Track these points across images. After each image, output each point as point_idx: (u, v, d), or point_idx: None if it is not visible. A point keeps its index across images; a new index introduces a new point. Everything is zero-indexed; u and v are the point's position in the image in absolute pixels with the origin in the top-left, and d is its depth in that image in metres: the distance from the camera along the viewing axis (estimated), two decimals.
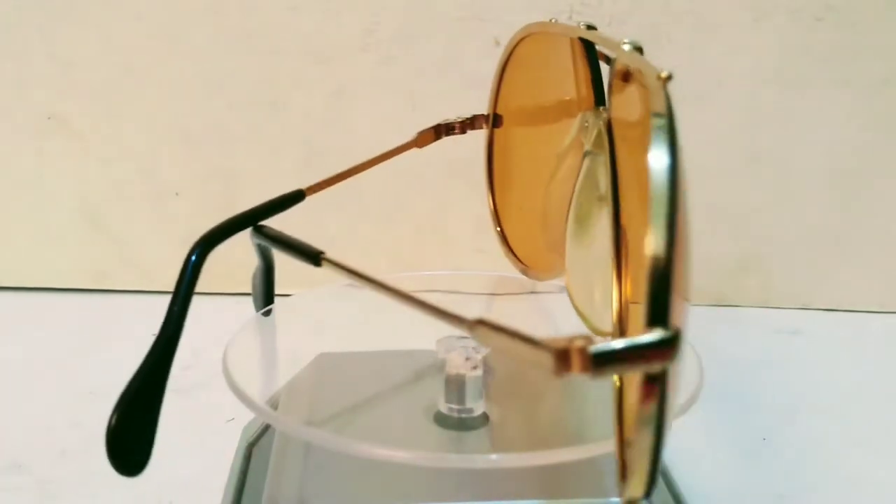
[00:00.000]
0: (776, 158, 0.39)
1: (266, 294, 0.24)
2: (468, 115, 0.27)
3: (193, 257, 0.19)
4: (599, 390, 0.24)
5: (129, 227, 0.41)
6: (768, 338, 0.38)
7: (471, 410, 0.21)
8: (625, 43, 0.16)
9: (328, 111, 0.39)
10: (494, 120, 0.27)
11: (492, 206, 0.28)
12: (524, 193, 0.27)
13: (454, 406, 0.21)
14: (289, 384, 0.24)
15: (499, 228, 0.28)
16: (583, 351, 0.11)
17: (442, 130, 0.27)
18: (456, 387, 0.21)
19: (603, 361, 0.12)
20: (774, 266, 0.40)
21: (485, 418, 0.21)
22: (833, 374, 0.34)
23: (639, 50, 0.16)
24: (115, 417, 0.18)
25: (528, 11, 0.37)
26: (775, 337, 0.38)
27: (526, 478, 0.20)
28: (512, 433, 0.22)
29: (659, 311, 0.12)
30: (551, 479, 0.20)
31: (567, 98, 0.23)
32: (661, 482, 0.21)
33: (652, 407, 0.12)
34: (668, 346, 0.12)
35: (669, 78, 0.14)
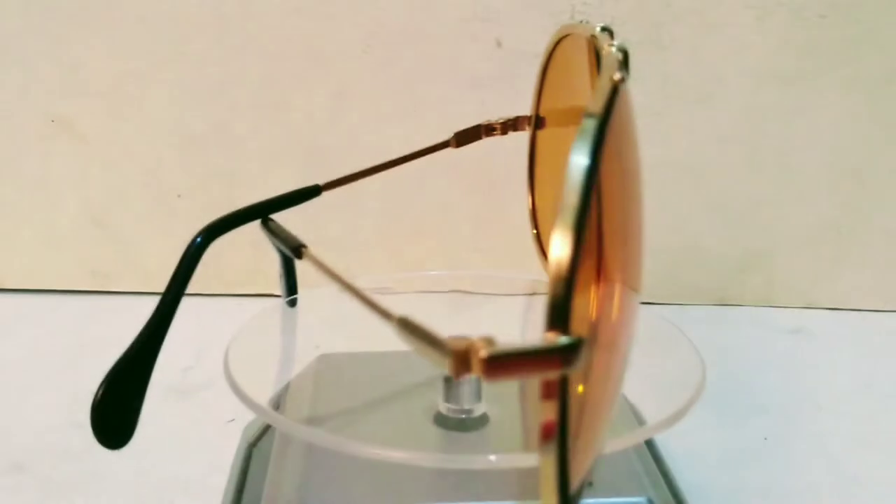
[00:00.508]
0: (779, 157, 0.39)
1: (288, 285, 0.24)
2: (511, 117, 0.27)
3: (198, 240, 0.20)
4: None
5: (131, 228, 0.41)
6: (771, 337, 0.38)
7: (471, 411, 0.21)
8: (611, 44, 0.16)
9: (330, 113, 0.39)
10: (536, 121, 0.27)
11: (530, 208, 0.28)
12: (560, 196, 0.26)
13: (454, 407, 0.21)
14: (289, 385, 0.24)
15: (535, 231, 0.28)
16: (479, 354, 0.11)
17: (482, 131, 0.27)
18: (456, 388, 0.21)
19: (498, 365, 0.11)
20: (777, 265, 0.40)
21: (485, 419, 0.21)
22: (836, 373, 0.34)
23: (623, 52, 0.16)
24: (101, 391, 0.18)
25: (529, 12, 0.37)
26: (778, 336, 0.38)
27: (525, 478, 0.20)
28: (512, 434, 0.22)
29: (558, 317, 0.11)
30: None
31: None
32: (661, 481, 0.21)
33: (552, 413, 0.12)
34: (566, 353, 0.11)
35: (622, 80, 0.14)
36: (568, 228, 0.12)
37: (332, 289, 0.26)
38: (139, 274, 0.41)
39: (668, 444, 0.23)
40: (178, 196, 0.40)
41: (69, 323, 0.38)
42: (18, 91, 0.39)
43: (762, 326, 0.39)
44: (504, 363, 0.11)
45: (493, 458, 0.17)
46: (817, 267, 0.40)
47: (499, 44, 0.38)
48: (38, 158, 0.40)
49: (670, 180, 0.39)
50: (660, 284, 0.40)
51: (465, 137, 0.26)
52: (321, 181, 0.24)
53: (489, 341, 0.12)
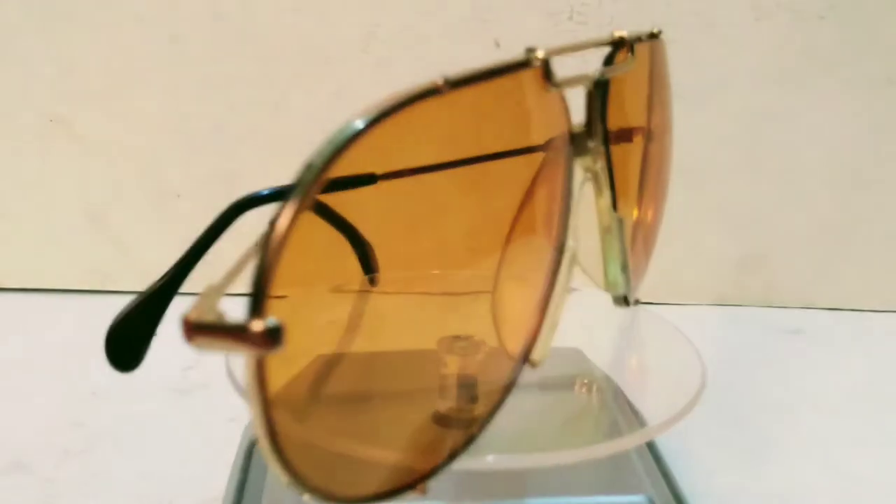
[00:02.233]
0: (779, 158, 0.39)
1: (363, 265, 0.24)
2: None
3: (226, 211, 0.21)
4: (600, 389, 0.24)
5: (130, 228, 0.41)
6: (771, 337, 0.38)
7: (470, 411, 0.21)
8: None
9: (329, 112, 0.39)
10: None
11: None
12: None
13: (453, 406, 0.21)
14: (289, 384, 0.24)
15: None
16: (186, 319, 0.12)
17: None
18: (455, 387, 0.21)
19: (195, 332, 0.12)
20: (777, 265, 0.40)
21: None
22: (835, 374, 0.34)
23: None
24: (118, 319, 0.21)
25: (529, 12, 0.37)
26: (778, 336, 0.38)
27: (526, 478, 0.20)
28: (512, 432, 0.22)
29: (254, 302, 0.12)
30: (551, 479, 0.20)
31: None
32: (662, 481, 0.21)
33: (254, 391, 0.12)
34: (264, 337, 0.12)
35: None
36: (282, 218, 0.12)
37: (331, 289, 0.26)
38: (138, 273, 0.41)
39: (668, 444, 0.23)
40: (178, 196, 0.40)
41: (68, 322, 0.38)
42: (16, 90, 0.39)
43: (762, 327, 0.39)
44: (205, 332, 0.12)
45: (489, 459, 0.17)
46: (817, 267, 0.40)
47: (497, 44, 0.38)
48: (37, 158, 0.40)
49: (670, 180, 0.39)
50: (659, 284, 0.40)
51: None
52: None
53: (207, 309, 0.12)
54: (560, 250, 0.17)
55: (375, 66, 0.38)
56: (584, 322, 0.24)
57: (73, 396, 0.31)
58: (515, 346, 0.18)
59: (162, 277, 0.22)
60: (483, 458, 0.18)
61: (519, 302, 0.19)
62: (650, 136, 0.24)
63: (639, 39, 0.20)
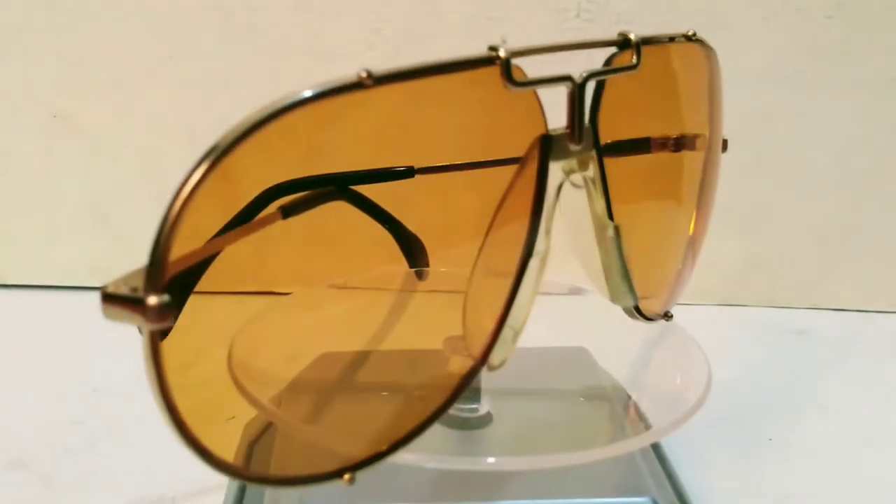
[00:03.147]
0: (785, 157, 0.39)
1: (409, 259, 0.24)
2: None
3: (261, 195, 0.21)
4: (602, 389, 0.24)
5: (135, 225, 0.41)
6: (776, 338, 0.38)
7: (475, 410, 0.21)
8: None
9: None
10: None
11: None
12: None
13: (458, 405, 0.21)
14: (292, 383, 0.23)
15: None
16: (102, 291, 0.13)
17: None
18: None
19: (106, 302, 0.13)
20: (783, 265, 0.40)
21: (488, 418, 0.21)
22: (841, 375, 0.34)
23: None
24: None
25: (535, 10, 0.37)
26: (783, 337, 0.38)
27: (530, 478, 0.19)
28: (516, 432, 0.21)
29: (150, 277, 0.13)
30: (555, 480, 0.19)
31: None
32: (666, 482, 0.21)
33: (148, 363, 0.13)
34: (154, 310, 0.13)
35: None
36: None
37: (335, 287, 0.26)
38: None
39: (673, 444, 0.23)
40: None
41: (72, 319, 0.38)
42: (20, 86, 0.39)
43: (767, 327, 0.39)
44: (112, 302, 0.13)
45: (490, 460, 0.17)
46: (823, 267, 0.40)
47: (504, 41, 0.37)
48: (40, 154, 0.40)
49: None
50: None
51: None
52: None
53: (123, 283, 0.13)
54: (528, 254, 0.17)
55: (381, 63, 0.38)
56: (590, 322, 0.24)
57: (73, 394, 0.31)
58: (476, 347, 0.18)
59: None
60: (487, 460, 0.18)
61: (484, 304, 0.18)
62: (678, 142, 0.23)
63: (648, 41, 0.20)
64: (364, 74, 0.15)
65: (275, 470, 0.19)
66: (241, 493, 0.22)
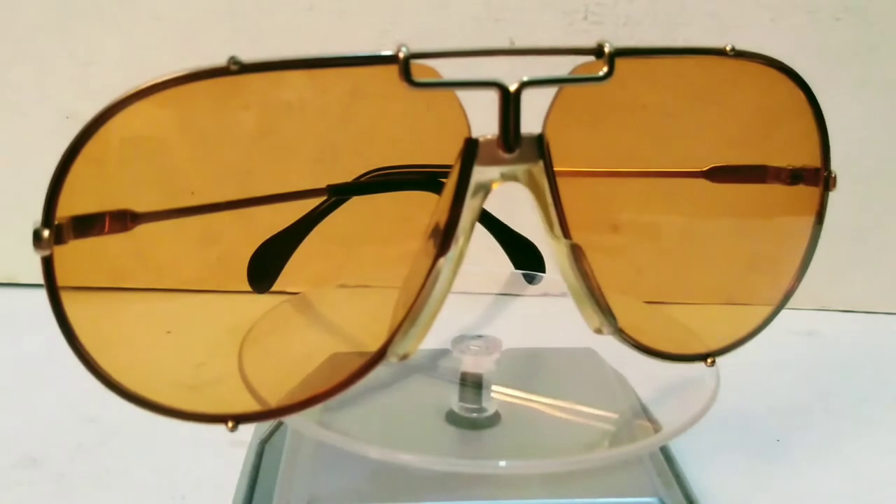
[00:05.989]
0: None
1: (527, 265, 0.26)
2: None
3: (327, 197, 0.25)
4: (610, 390, 0.24)
5: (144, 225, 0.41)
6: (783, 339, 0.37)
7: (484, 410, 0.21)
8: None
9: (344, 110, 0.39)
10: None
11: None
12: None
13: (467, 405, 0.21)
14: (302, 382, 0.24)
15: None
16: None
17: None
18: (469, 386, 0.21)
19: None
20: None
21: (497, 417, 0.21)
22: (848, 376, 0.34)
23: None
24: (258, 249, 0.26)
25: (543, 12, 0.37)
26: (790, 338, 0.38)
27: (538, 480, 0.20)
28: (524, 433, 0.22)
29: (44, 212, 0.19)
30: (563, 481, 0.20)
31: None
32: (673, 482, 0.21)
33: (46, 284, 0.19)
34: (45, 241, 0.18)
35: None
36: None
37: (345, 287, 0.26)
38: (151, 270, 0.41)
39: (680, 445, 0.23)
40: (192, 193, 0.40)
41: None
42: (33, 87, 0.39)
43: (774, 328, 0.38)
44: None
45: (501, 464, 0.17)
46: (831, 269, 0.40)
47: (512, 43, 0.38)
48: (53, 155, 0.40)
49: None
50: (670, 284, 0.39)
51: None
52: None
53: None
54: (439, 256, 0.17)
55: None
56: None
57: (86, 392, 0.31)
58: (381, 339, 0.18)
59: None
60: (495, 463, 0.18)
61: (401, 300, 0.19)
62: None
63: (622, 53, 0.19)
64: (229, 61, 0.16)
65: None
66: (251, 490, 0.22)
